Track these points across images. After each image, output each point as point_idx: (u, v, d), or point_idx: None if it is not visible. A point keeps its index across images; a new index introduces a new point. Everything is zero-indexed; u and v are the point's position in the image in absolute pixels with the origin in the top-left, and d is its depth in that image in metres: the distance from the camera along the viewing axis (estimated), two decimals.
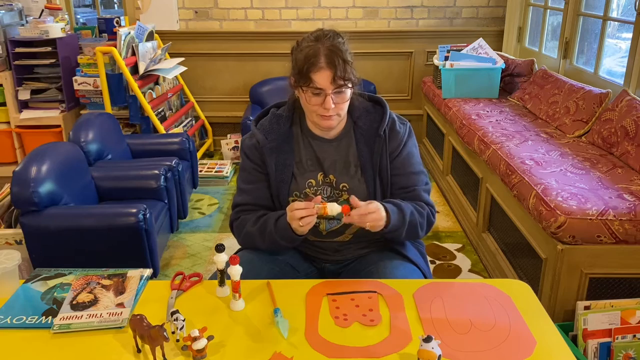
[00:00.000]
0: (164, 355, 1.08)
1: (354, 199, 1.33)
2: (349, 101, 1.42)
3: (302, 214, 1.30)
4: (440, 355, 1.03)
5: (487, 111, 3.13)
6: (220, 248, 1.27)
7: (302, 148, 1.50)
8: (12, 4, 3.84)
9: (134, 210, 2.19)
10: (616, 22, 2.95)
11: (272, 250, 1.49)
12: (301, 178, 1.48)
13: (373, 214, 1.32)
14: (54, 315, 1.22)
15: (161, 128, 3.54)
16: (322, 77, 1.33)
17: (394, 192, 1.50)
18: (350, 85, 1.37)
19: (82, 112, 3.78)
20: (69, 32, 3.83)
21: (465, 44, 3.65)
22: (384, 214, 1.35)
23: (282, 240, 1.41)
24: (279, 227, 1.40)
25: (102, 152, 2.77)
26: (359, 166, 1.49)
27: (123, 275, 1.37)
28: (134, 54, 3.67)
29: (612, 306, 1.80)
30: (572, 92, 2.84)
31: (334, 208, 1.31)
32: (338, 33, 1.39)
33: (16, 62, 3.61)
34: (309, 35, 1.40)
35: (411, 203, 1.47)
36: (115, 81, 3.56)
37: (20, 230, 2.16)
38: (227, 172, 3.86)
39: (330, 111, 1.37)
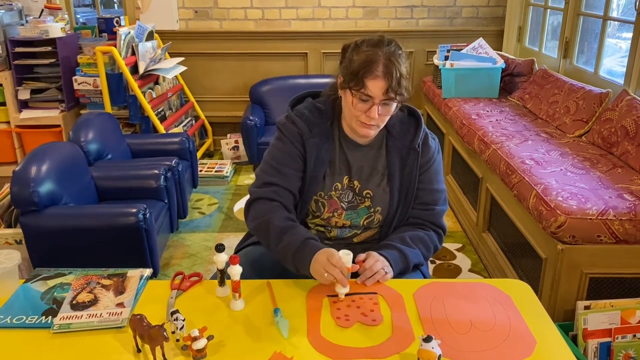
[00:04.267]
0: (164, 355, 1.07)
1: (358, 259, 1.33)
2: (391, 114, 1.39)
3: (331, 276, 1.24)
4: (440, 355, 1.03)
5: (487, 111, 3.13)
6: (220, 248, 1.27)
7: (337, 149, 1.48)
8: (12, 4, 3.84)
9: (134, 210, 2.19)
10: (616, 22, 2.95)
11: (273, 255, 1.42)
12: (330, 180, 1.47)
13: (377, 274, 1.33)
14: (54, 315, 1.22)
15: (161, 128, 3.54)
16: (375, 86, 1.31)
17: (415, 206, 1.50)
18: (400, 99, 1.35)
19: (82, 112, 3.78)
20: (68, 32, 3.83)
21: (465, 44, 3.65)
22: (389, 268, 1.34)
23: (295, 263, 1.33)
24: (303, 251, 1.32)
25: (102, 152, 2.77)
26: (386, 175, 1.47)
27: (123, 275, 1.37)
28: (133, 53, 3.67)
29: (612, 306, 1.80)
30: (572, 92, 2.84)
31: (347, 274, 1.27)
32: (398, 44, 1.36)
33: (16, 62, 3.61)
34: (369, 38, 1.36)
35: (422, 235, 1.47)
36: (115, 81, 3.56)
37: (20, 230, 2.16)
38: (227, 172, 3.86)
39: (372, 121, 1.35)
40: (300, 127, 1.44)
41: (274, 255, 1.40)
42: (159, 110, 3.77)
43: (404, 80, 1.33)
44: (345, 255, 1.27)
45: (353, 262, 1.31)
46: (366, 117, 1.35)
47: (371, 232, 1.54)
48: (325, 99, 1.49)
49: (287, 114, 1.49)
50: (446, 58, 3.57)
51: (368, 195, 1.47)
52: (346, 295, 1.29)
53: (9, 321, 1.21)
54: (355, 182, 1.48)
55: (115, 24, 4.00)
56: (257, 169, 1.51)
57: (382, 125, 1.41)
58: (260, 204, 1.44)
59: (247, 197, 1.51)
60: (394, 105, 1.37)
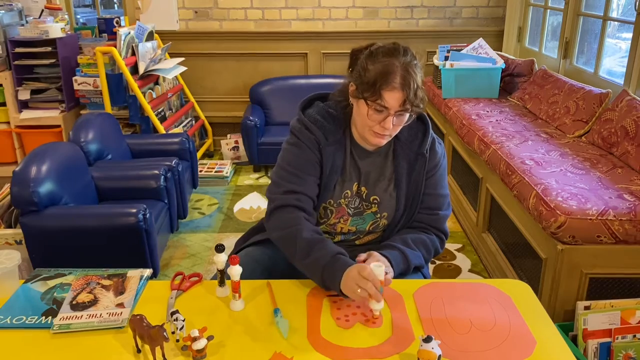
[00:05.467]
0: (163, 356, 1.07)
1: (359, 258, 1.33)
2: (405, 123, 1.37)
3: (364, 291, 1.19)
4: (440, 355, 1.03)
5: (487, 111, 3.13)
6: (220, 248, 1.27)
7: (348, 156, 1.46)
8: (12, 4, 3.84)
9: (134, 210, 2.19)
10: (616, 22, 2.95)
11: (299, 268, 1.37)
12: (340, 187, 1.45)
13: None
14: (54, 315, 1.22)
15: (161, 128, 3.54)
16: (392, 97, 1.28)
17: (419, 210, 1.49)
18: (416, 110, 1.34)
19: (82, 112, 3.78)
20: (68, 32, 3.83)
21: (465, 44, 3.65)
22: (389, 268, 1.33)
23: (324, 279, 1.28)
24: (332, 267, 1.27)
25: (102, 152, 2.77)
26: (393, 180, 1.46)
27: (123, 275, 1.37)
28: (133, 54, 3.67)
29: (612, 306, 1.80)
30: (572, 92, 2.84)
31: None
32: (413, 53, 1.34)
33: (16, 62, 3.61)
34: (382, 45, 1.34)
35: (424, 238, 1.46)
36: (115, 81, 3.57)
37: (20, 230, 2.16)
38: (227, 172, 3.86)
39: (386, 131, 1.33)
40: (316, 134, 1.41)
41: (299, 268, 1.36)
42: (159, 110, 3.77)
43: (420, 91, 1.31)
44: (377, 268, 1.22)
45: (354, 262, 1.31)
46: (380, 128, 1.33)
47: (374, 236, 1.54)
48: (335, 104, 1.47)
49: (300, 118, 1.46)
50: (446, 58, 3.57)
51: (375, 201, 1.46)
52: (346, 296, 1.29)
53: (9, 321, 1.21)
54: (363, 188, 1.46)
55: (115, 24, 4.00)
56: (272, 173, 1.48)
57: (394, 135, 1.40)
58: (284, 213, 1.39)
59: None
60: (408, 115, 1.35)
